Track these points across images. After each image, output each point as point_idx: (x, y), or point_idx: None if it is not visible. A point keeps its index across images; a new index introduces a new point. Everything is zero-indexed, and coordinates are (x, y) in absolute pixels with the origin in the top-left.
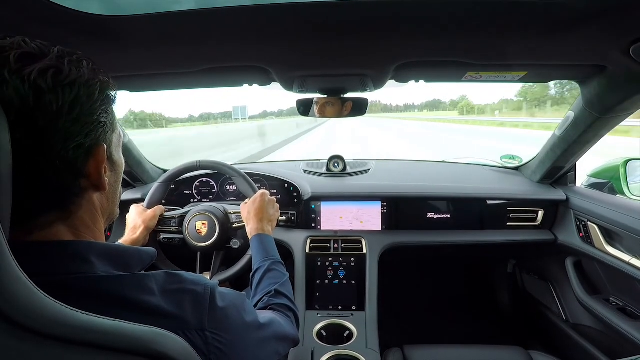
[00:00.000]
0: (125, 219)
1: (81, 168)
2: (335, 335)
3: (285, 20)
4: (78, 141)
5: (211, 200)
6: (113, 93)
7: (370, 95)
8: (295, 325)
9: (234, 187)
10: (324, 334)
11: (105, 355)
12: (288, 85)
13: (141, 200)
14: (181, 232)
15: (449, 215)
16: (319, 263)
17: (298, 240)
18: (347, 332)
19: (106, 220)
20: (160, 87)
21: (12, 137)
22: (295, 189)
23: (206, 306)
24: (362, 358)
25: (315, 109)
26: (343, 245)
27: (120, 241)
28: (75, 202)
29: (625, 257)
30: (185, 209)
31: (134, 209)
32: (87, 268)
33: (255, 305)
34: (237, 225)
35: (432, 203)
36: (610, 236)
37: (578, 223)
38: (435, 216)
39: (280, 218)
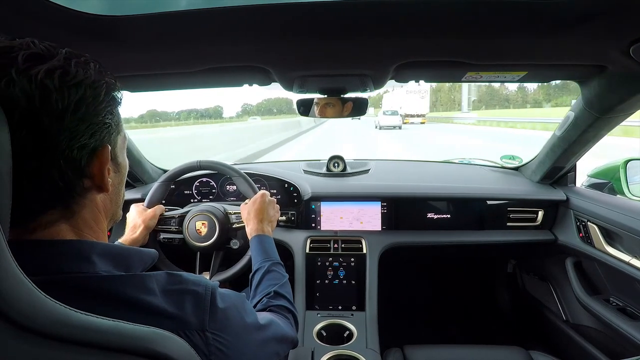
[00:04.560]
0: (125, 219)
1: (85, 168)
2: (335, 335)
3: (286, 21)
4: (82, 141)
5: (211, 201)
6: (119, 95)
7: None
8: (295, 327)
9: (234, 187)
10: (324, 334)
11: (106, 355)
12: (288, 85)
13: (141, 200)
14: (181, 232)
15: (448, 216)
16: (319, 263)
17: (298, 241)
18: (347, 332)
19: (109, 221)
20: (160, 87)
21: (17, 135)
22: (295, 189)
23: (207, 307)
24: (362, 358)
25: (315, 109)
26: (343, 246)
27: (120, 240)
28: (78, 201)
29: (625, 257)
30: (185, 209)
31: (134, 208)
32: (89, 267)
33: (254, 307)
34: (237, 225)
35: (432, 203)
36: (610, 236)
37: (578, 223)
38: (435, 216)
39: (280, 218)
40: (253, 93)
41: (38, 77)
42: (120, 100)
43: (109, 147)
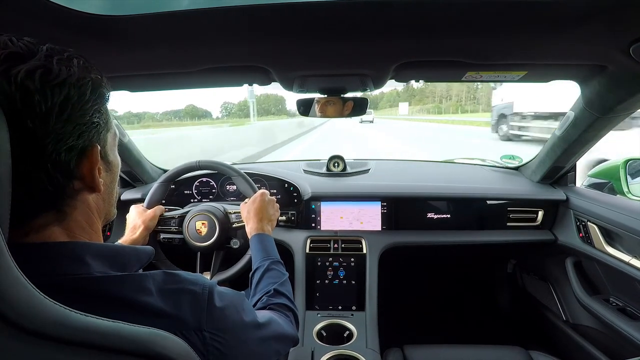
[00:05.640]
0: (125, 219)
1: (74, 170)
2: (335, 335)
3: (286, 20)
4: (70, 143)
5: (211, 200)
6: (106, 91)
7: None
8: (295, 325)
9: (234, 187)
10: (324, 334)
11: (105, 356)
12: (288, 85)
13: (141, 200)
14: (181, 232)
15: (448, 215)
16: (319, 263)
17: (298, 240)
18: (347, 332)
19: (103, 220)
20: (160, 87)
21: None
22: (295, 189)
23: (204, 306)
24: (362, 358)
25: (316, 108)
26: (343, 245)
27: (120, 241)
28: (70, 203)
29: (625, 257)
30: (185, 209)
31: (133, 209)
32: (83, 269)
33: (254, 305)
34: (237, 225)
35: (432, 203)
36: (610, 236)
37: (578, 223)
38: (435, 216)
39: (280, 218)
40: (235, 89)
41: (18, 78)
42: (108, 96)
43: (98, 147)
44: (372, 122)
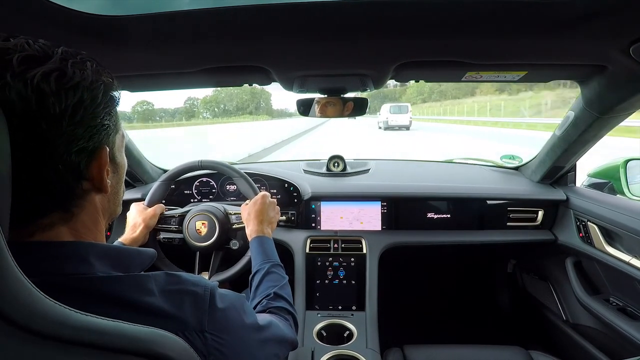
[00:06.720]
0: (125, 218)
1: (83, 171)
2: (335, 335)
3: (285, 20)
4: (81, 145)
5: (211, 200)
6: (116, 94)
7: None
8: (294, 329)
9: (234, 187)
10: (324, 334)
11: (106, 355)
12: (288, 85)
13: (141, 200)
14: (181, 232)
15: (449, 215)
16: (319, 263)
17: (298, 240)
18: (347, 332)
19: (107, 220)
20: (160, 87)
21: (14, 139)
22: (295, 188)
23: (206, 307)
24: (362, 358)
25: (316, 108)
26: (343, 245)
27: (120, 239)
28: (78, 204)
29: (625, 257)
30: (186, 209)
31: (134, 207)
32: (87, 269)
33: (254, 308)
34: (237, 226)
35: (432, 203)
36: (610, 236)
37: (578, 223)
38: (435, 216)
39: (280, 218)
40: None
41: (34, 80)
42: (118, 99)
43: (107, 149)
44: (407, 128)
